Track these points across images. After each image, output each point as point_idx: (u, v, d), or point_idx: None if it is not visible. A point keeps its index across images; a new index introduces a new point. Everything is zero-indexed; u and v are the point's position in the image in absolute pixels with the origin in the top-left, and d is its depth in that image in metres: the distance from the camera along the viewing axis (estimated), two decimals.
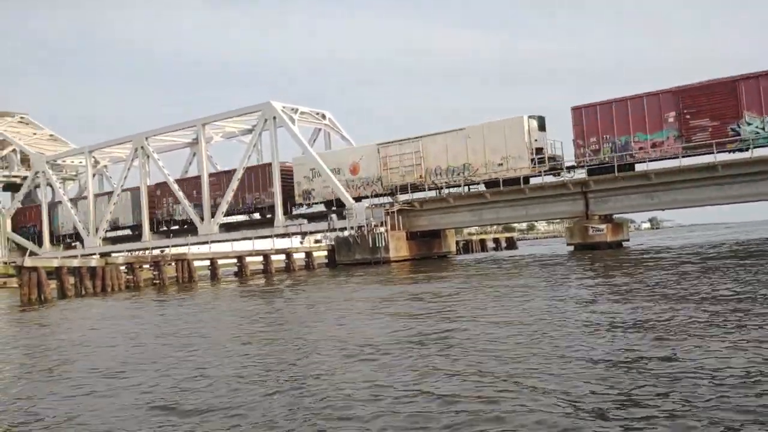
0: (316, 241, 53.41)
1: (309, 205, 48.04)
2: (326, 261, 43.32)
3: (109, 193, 58.65)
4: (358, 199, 44.76)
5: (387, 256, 40.12)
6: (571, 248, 37.60)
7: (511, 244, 64.53)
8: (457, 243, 52.80)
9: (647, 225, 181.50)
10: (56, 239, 62.30)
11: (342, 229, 43.38)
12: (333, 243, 43.22)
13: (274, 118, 47.67)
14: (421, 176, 42.41)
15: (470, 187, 41.35)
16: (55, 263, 28.25)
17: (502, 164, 39.33)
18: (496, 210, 40.48)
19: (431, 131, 42.71)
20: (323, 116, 52.43)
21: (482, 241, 61.09)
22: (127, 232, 59.06)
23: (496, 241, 63.37)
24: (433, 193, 42.86)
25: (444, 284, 20.44)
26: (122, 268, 31.36)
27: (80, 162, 63.90)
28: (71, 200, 61.74)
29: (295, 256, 41.54)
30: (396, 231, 41.57)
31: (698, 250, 29.62)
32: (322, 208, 47.14)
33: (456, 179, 41.29)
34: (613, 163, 35.65)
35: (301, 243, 50.12)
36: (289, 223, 47.71)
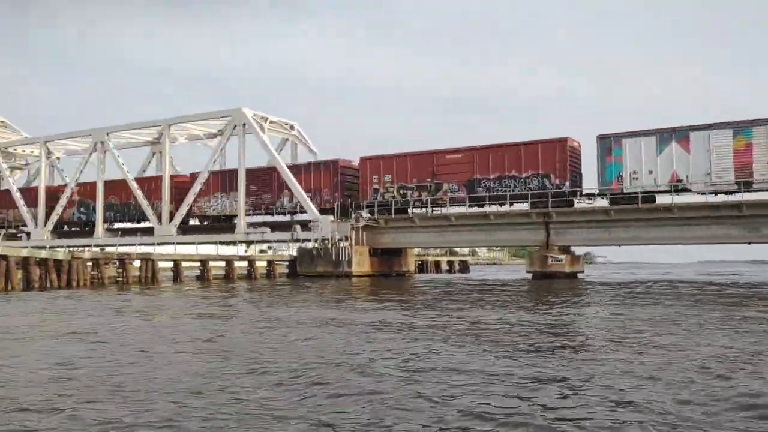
0: (261, 251, 53.08)
1: None
2: (287, 271, 43.46)
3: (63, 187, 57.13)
4: None
5: (349, 270, 40.58)
6: (530, 276, 38.91)
7: (465, 267, 65.98)
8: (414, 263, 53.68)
9: None
10: None
11: (305, 241, 43.65)
12: (296, 254, 43.48)
13: (244, 124, 47.67)
14: None
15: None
16: (24, 253, 27.51)
17: None
18: (459, 233, 41.54)
19: None
20: (291, 127, 52.68)
21: (437, 263, 62.30)
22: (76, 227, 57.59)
23: (450, 263, 64.67)
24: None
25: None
26: (89, 264, 30.81)
27: (31, 152, 62.59)
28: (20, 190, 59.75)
29: (258, 264, 41.60)
30: (359, 246, 42.13)
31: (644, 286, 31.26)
32: None
33: None
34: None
35: (246, 252, 49.65)
36: (250, 231, 47.57)
